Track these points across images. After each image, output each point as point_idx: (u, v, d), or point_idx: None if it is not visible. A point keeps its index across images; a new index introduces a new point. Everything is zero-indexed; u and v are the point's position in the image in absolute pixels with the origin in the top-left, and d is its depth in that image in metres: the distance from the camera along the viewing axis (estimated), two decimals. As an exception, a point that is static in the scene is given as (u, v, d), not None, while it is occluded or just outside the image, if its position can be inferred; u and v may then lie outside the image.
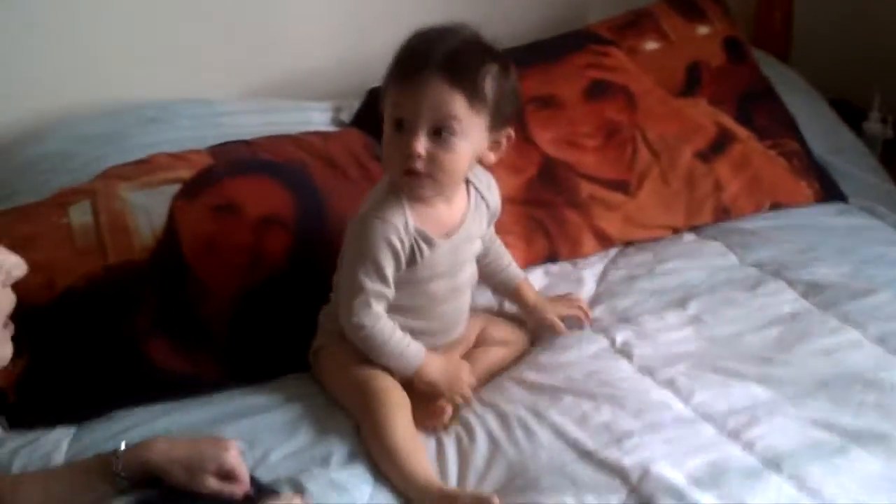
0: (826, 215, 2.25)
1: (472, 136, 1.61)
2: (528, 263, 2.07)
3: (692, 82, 2.33)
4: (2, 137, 2.11)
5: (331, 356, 1.73)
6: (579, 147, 2.19)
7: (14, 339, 1.69)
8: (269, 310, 1.81)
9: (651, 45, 2.37)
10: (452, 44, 1.60)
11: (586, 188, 2.15)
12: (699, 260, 2.08)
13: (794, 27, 2.80)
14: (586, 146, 2.20)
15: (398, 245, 1.63)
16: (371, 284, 1.63)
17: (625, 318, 1.88)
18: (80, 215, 1.83)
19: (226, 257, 1.82)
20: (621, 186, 2.18)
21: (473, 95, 1.58)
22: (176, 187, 1.88)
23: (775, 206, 2.26)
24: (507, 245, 2.04)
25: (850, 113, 2.61)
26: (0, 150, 2.09)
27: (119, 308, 1.76)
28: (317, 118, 2.22)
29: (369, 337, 1.64)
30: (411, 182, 1.61)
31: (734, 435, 1.55)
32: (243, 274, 1.81)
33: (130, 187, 1.88)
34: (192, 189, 1.88)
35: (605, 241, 2.14)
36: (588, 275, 2.06)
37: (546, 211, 2.12)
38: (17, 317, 1.70)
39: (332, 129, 2.19)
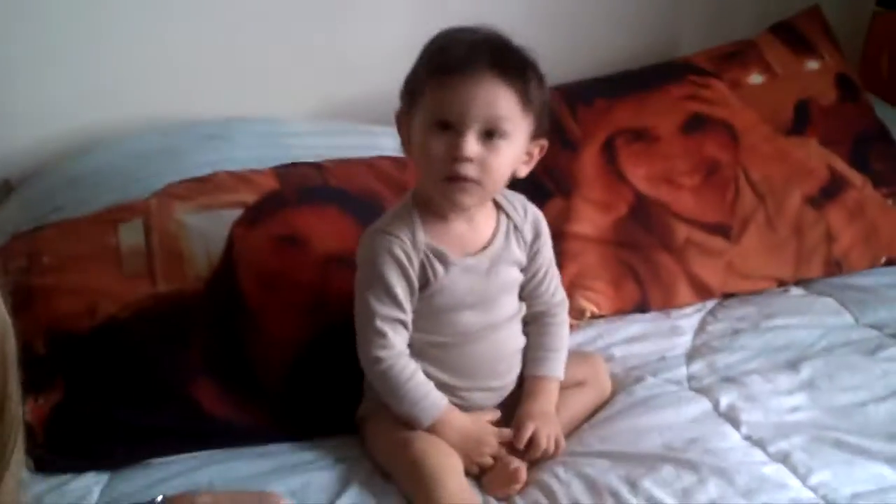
0: (951, 272, 2.05)
1: (518, 140, 1.47)
2: (617, 311, 1.91)
3: (801, 120, 2.16)
4: (52, 150, 1.99)
5: (375, 425, 1.56)
6: (675, 185, 2.02)
7: (49, 368, 1.56)
8: (328, 359, 1.63)
9: (755, 79, 2.20)
10: (498, 42, 1.47)
11: (683, 231, 1.98)
12: (810, 317, 1.90)
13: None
14: (683, 185, 2.03)
15: (404, 259, 1.47)
16: (381, 307, 1.47)
17: (728, 378, 1.69)
18: (130, 236, 1.69)
19: (287, 296, 1.66)
20: (722, 231, 2.00)
21: (524, 95, 1.44)
22: (237, 212, 1.73)
23: (892, 261, 2.08)
24: (593, 290, 1.91)
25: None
26: (49, 163, 1.97)
27: (166, 343, 1.61)
28: (386, 144, 2.05)
29: (386, 373, 1.48)
30: (454, 188, 1.45)
31: (863, 524, 1.34)
32: (305, 317, 1.65)
33: (188, 208, 1.73)
34: (254, 215, 1.73)
35: (702, 291, 1.97)
36: (685, 325, 1.90)
37: (637, 254, 1.96)
38: (52, 343, 1.57)
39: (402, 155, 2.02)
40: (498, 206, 1.57)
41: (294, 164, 1.86)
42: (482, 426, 1.52)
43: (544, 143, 1.53)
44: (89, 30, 1.96)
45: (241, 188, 1.77)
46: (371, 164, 1.90)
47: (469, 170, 1.43)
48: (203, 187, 1.78)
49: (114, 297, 1.62)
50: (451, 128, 1.42)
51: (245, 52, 2.09)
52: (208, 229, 1.70)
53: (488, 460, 1.49)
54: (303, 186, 1.80)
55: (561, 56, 2.26)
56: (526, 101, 1.44)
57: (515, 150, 1.47)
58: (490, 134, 1.43)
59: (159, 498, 1.30)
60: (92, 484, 1.49)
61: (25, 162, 1.99)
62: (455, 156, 1.42)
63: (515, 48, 1.48)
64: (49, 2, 1.91)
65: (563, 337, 1.64)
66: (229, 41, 2.08)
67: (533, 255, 1.60)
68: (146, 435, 1.55)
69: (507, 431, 1.52)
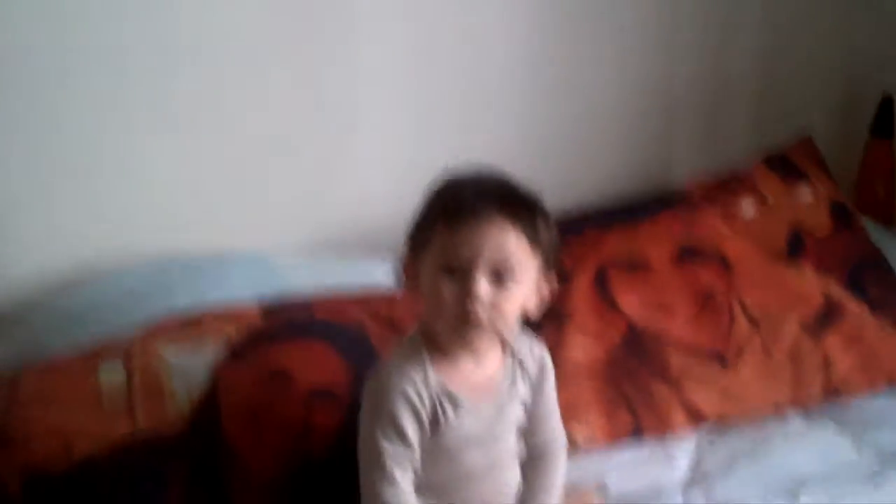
0: (954, 395, 2.01)
1: (527, 282, 1.45)
2: (611, 440, 1.86)
3: (795, 248, 2.15)
4: (38, 287, 1.97)
5: None
6: (669, 314, 2.00)
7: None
8: (310, 498, 1.59)
9: (748, 211, 2.20)
10: (504, 184, 1.48)
11: (677, 359, 1.95)
12: (809, 443, 1.86)
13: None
14: (677, 313, 2.01)
15: (416, 400, 1.43)
16: (390, 446, 1.42)
17: (726, 509, 1.63)
18: (111, 374, 1.66)
19: (269, 433, 1.62)
20: (717, 358, 1.97)
21: (533, 237, 1.43)
22: (221, 349, 1.71)
23: (893, 385, 2.03)
24: (585, 420, 1.85)
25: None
26: (36, 300, 1.96)
27: (144, 483, 1.56)
28: (378, 276, 2.05)
29: None
30: (468, 329, 1.43)
31: None
32: (288, 455, 1.61)
33: (171, 347, 1.71)
34: (238, 352, 1.71)
35: (697, 417, 1.92)
36: (680, 453, 1.85)
37: (630, 382, 1.92)
38: (27, 484, 1.53)
39: (394, 287, 2.02)
40: (503, 343, 1.55)
41: (281, 299, 1.85)
42: None
43: (554, 283, 1.52)
44: (83, 166, 1.97)
45: (226, 326, 1.75)
46: (360, 300, 1.89)
47: (480, 310, 1.41)
48: (187, 325, 1.76)
49: (92, 436, 1.58)
50: (460, 271, 1.41)
51: (239, 184, 2.10)
52: (191, 367, 1.67)
53: None
54: (288, 321, 1.79)
55: (554, 181, 2.29)
56: (535, 241, 1.44)
57: (525, 291, 1.45)
58: (499, 275, 1.41)
59: None
60: None
61: (13, 296, 1.97)
62: (468, 298, 1.40)
63: (522, 189, 1.48)
64: (43, 139, 1.92)
65: (559, 475, 1.59)
66: (224, 173, 2.08)
67: (538, 392, 1.57)
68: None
69: None
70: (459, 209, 1.43)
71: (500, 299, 1.41)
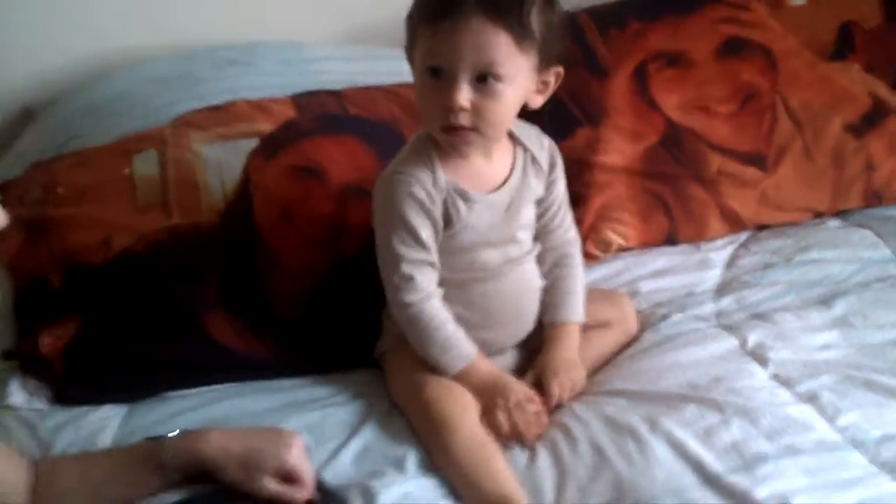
0: None
1: (519, 80, 1.38)
2: (645, 244, 1.86)
3: (844, 45, 2.05)
4: (69, 77, 1.96)
5: (392, 362, 1.53)
6: (710, 113, 1.94)
7: (64, 301, 1.55)
8: (345, 292, 1.60)
9: (797, 1, 2.09)
10: None
11: (716, 161, 1.91)
12: (846, 250, 1.82)
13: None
14: (718, 112, 1.94)
15: (426, 200, 1.42)
16: (408, 251, 1.43)
17: (758, 314, 1.64)
18: (145, 166, 1.66)
19: (303, 228, 1.62)
20: (757, 161, 1.92)
21: (520, 33, 1.34)
22: (254, 142, 1.69)
23: (934, 193, 1.99)
24: (620, 222, 1.86)
25: None
26: (64, 91, 1.94)
27: (180, 277, 1.58)
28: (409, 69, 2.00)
29: (415, 318, 1.45)
30: (454, 139, 1.40)
31: (890, 468, 1.29)
32: (321, 249, 1.61)
33: (204, 138, 1.70)
34: (271, 146, 1.69)
35: (734, 223, 1.90)
36: (715, 258, 1.84)
37: (668, 185, 1.89)
38: (68, 276, 1.56)
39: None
40: (514, 138, 1.52)
41: (313, 93, 1.82)
42: (506, 377, 1.48)
43: (560, 70, 1.45)
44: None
45: (259, 117, 1.74)
46: (393, 92, 1.85)
47: (463, 119, 1.37)
48: (220, 116, 1.74)
49: (128, 229, 1.60)
50: (442, 74, 1.35)
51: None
52: (224, 160, 1.66)
53: (521, 417, 1.41)
54: (321, 115, 1.76)
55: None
56: (522, 38, 1.35)
57: (517, 90, 1.39)
58: (484, 78, 1.35)
59: (173, 433, 1.31)
60: (110, 416, 1.48)
61: (46, 88, 1.97)
62: (447, 106, 1.35)
63: None
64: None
65: (580, 277, 1.59)
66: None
67: (549, 185, 1.56)
68: (162, 368, 1.54)
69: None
70: (436, 10, 1.36)
71: (485, 103, 1.36)
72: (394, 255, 1.44)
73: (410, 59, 1.44)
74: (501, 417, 1.41)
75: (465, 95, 1.35)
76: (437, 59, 1.36)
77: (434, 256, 1.46)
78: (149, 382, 1.53)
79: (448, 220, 1.45)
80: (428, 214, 1.43)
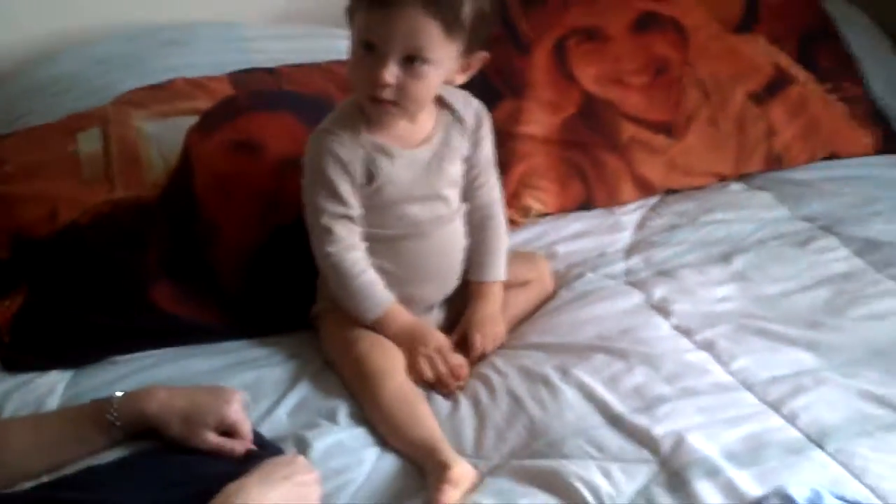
0: (887, 167, 2.11)
1: (444, 63, 1.50)
2: (562, 209, 1.97)
3: (749, 17, 2.18)
4: (12, 58, 2.03)
5: (327, 323, 1.63)
6: (624, 85, 2.06)
7: (12, 272, 1.63)
8: (282, 260, 1.70)
9: (707, -25, 2.21)
10: None
11: (628, 130, 2.03)
12: (747, 211, 1.96)
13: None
14: (632, 84, 2.07)
15: (348, 156, 1.53)
16: (327, 204, 1.54)
17: (663, 271, 1.76)
18: (89, 143, 1.74)
19: (241, 200, 1.71)
20: (666, 129, 2.05)
21: (451, 23, 1.46)
22: (193, 119, 1.77)
23: (832, 156, 2.13)
24: (540, 188, 1.96)
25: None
26: (10, 72, 2.02)
27: (124, 247, 1.66)
28: (344, 47, 2.09)
29: (336, 267, 1.55)
30: (377, 108, 1.51)
31: (776, 405, 1.42)
32: (259, 220, 1.70)
33: (145, 115, 1.78)
34: (209, 122, 1.77)
35: (645, 188, 2.02)
36: (626, 221, 1.96)
37: (584, 154, 2.00)
38: (15, 248, 1.64)
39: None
40: (441, 101, 1.61)
41: (249, 70, 1.91)
42: (425, 325, 1.60)
43: (485, 55, 1.56)
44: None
45: (198, 95, 1.82)
46: (326, 69, 1.94)
47: (388, 94, 1.47)
48: (160, 94, 1.82)
49: (74, 202, 1.67)
50: (374, 50, 1.46)
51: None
52: (165, 136, 1.75)
53: (438, 358, 1.54)
54: (257, 92, 1.84)
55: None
56: (452, 27, 1.46)
57: (441, 72, 1.50)
58: (412, 60, 1.46)
59: (119, 393, 1.38)
60: (56, 380, 1.55)
61: (-9, 69, 2.03)
62: (374, 80, 1.46)
63: None
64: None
65: (503, 237, 1.70)
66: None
67: (476, 143, 1.65)
68: (107, 334, 1.61)
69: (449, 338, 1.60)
70: None
71: (409, 82, 1.47)
72: (316, 209, 1.54)
73: (350, 21, 1.53)
74: (423, 365, 1.53)
75: (391, 72, 1.46)
76: (371, 35, 1.46)
77: (353, 211, 1.55)
78: (95, 348, 1.60)
79: (370, 176, 1.55)
80: (346, 171, 1.53)
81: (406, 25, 1.44)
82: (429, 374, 1.53)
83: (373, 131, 1.55)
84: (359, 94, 1.53)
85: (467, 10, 1.47)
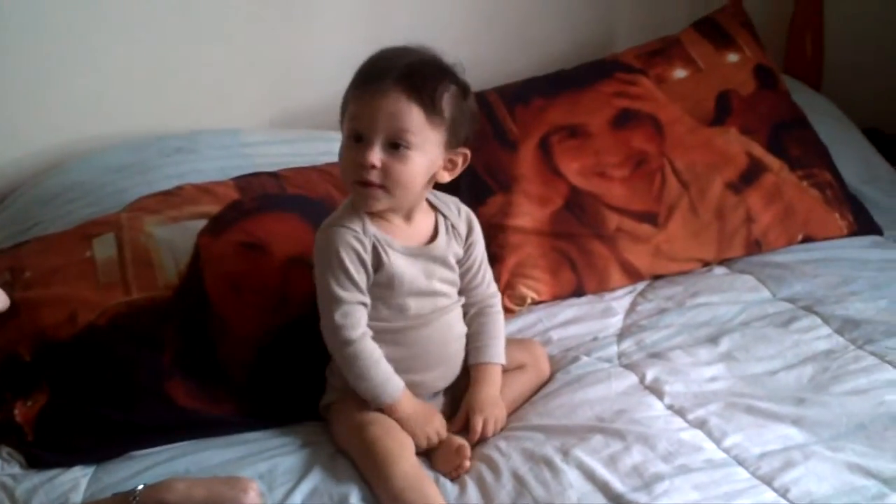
0: (860, 248, 2.21)
1: (428, 150, 1.61)
2: (555, 297, 2.05)
3: (722, 111, 2.30)
4: (25, 168, 2.10)
5: (337, 412, 1.70)
6: (607, 178, 2.17)
7: (34, 373, 1.69)
8: (291, 353, 1.77)
9: (679, 74, 2.34)
10: (412, 59, 1.61)
11: (614, 220, 2.12)
12: (731, 294, 2.04)
13: (826, 55, 2.77)
14: (614, 177, 2.17)
15: (359, 247, 1.62)
16: (345, 293, 1.62)
17: (654, 353, 1.84)
18: (104, 249, 1.82)
19: (250, 298, 1.79)
20: (650, 218, 2.15)
21: (431, 110, 1.58)
22: (202, 222, 1.86)
23: (808, 239, 2.22)
24: (532, 278, 2.05)
25: (884, 141, 2.58)
26: (23, 181, 2.09)
27: (141, 346, 1.73)
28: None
29: (356, 355, 1.62)
30: (365, 192, 1.61)
31: (768, 480, 1.50)
32: (267, 316, 1.78)
33: (156, 221, 1.86)
34: (218, 225, 1.86)
35: (633, 274, 2.11)
36: (617, 306, 2.04)
37: (573, 243, 2.09)
38: (38, 351, 1.70)
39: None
40: (434, 208, 1.73)
41: (254, 175, 2.00)
42: (430, 408, 1.68)
43: (466, 152, 1.67)
44: (59, 54, 2.07)
45: (205, 200, 1.90)
46: (325, 171, 2.03)
47: (374, 176, 1.58)
48: (171, 200, 1.91)
49: (92, 305, 1.74)
50: (362, 139, 1.58)
51: (204, 68, 2.22)
52: (176, 240, 1.82)
53: (435, 437, 1.63)
54: (262, 195, 1.93)
55: (503, 55, 2.43)
56: (432, 114, 1.58)
57: (425, 160, 1.61)
58: (396, 146, 1.58)
59: (140, 486, 1.44)
60: (79, 476, 1.60)
61: (4, 180, 2.10)
62: (361, 163, 1.58)
63: (431, 65, 1.62)
64: (18, 27, 2.03)
65: (501, 325, 1.79)
66: (190, 59, 2.20)
67: (468, 248, 1.75)
68: (126, 430, 1.67)
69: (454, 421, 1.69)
70: (364, 80, 1.61)
71: (394, 165, 1.58)
72: (333, 297, 1.62)
73: (343, 116, 1.65)
74: (423, 443, 1.62)
75: (376, 155, 1.57)
76: (358, 124, 1.58)
77: (367, 298, 1.64)
78: (115, 444, 1.65)
79: (378, 265, 1.64)
80: (360, 260, 1.62)
81: (389, 108, 1.56)
82: (423, 445, 1.61)
83: (375, 225, 1.64)
84: (347, 182, 1.64)
85: (447, 102, 1.60)
